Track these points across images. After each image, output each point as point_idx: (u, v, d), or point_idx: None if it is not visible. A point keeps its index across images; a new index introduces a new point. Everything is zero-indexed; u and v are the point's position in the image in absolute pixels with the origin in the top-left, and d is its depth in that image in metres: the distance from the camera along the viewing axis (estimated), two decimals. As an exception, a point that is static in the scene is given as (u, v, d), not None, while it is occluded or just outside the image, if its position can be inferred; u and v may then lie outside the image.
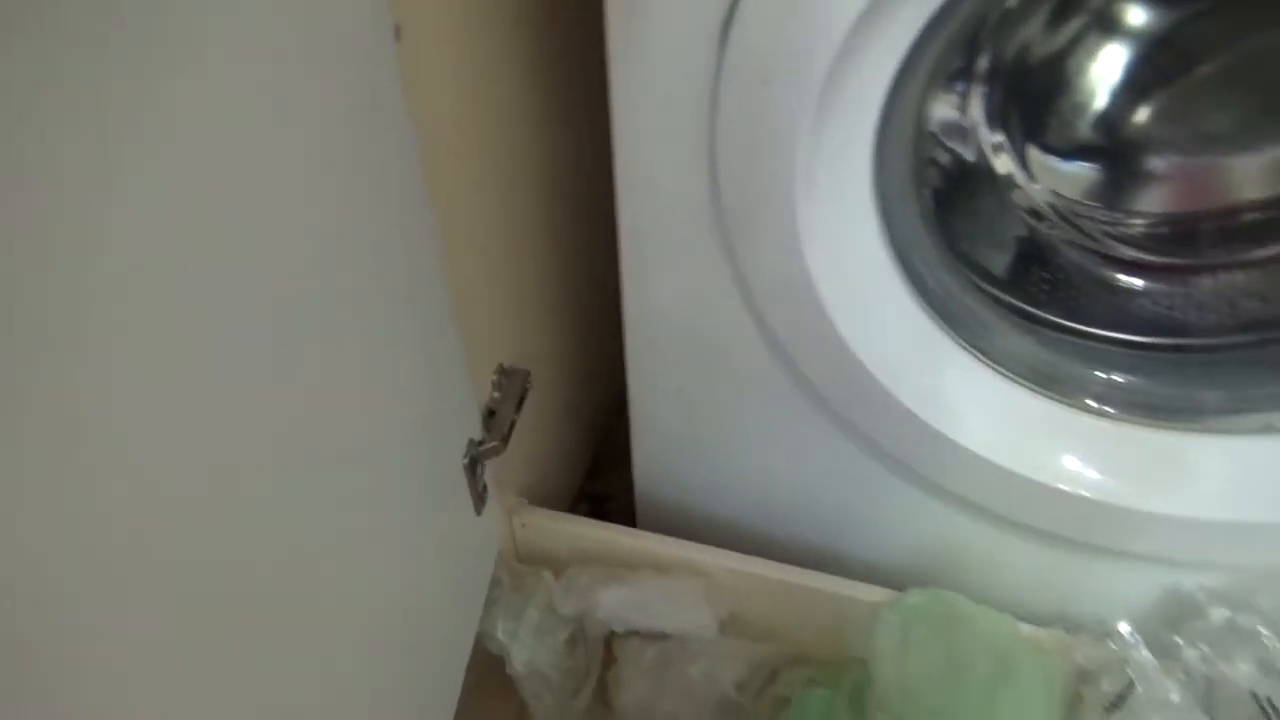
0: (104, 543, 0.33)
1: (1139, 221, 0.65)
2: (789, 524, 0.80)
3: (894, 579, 0.73)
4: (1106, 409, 0.56)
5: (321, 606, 0.53)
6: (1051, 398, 0.56)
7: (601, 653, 0.81)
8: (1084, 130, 0.65)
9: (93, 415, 0.32)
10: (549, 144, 0.70)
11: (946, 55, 0.55)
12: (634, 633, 0.80)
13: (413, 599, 0.64)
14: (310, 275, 0.45)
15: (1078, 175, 0.65)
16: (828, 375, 0.57)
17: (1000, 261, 0.62)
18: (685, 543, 0.78)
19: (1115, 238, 0.64)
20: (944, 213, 0.59)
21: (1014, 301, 0.59)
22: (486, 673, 0.80)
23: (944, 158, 0.62)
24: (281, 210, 0.42)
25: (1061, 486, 0.56)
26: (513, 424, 0.69)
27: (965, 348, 0.55)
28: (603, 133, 0.58)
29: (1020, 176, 0.64)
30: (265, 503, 0.45)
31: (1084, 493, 0.56)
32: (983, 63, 0.59)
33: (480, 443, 0.67)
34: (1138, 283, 0.64)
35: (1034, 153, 0.64)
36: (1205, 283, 0.62)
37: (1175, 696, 0.59)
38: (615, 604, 0.76)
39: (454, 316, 0.62)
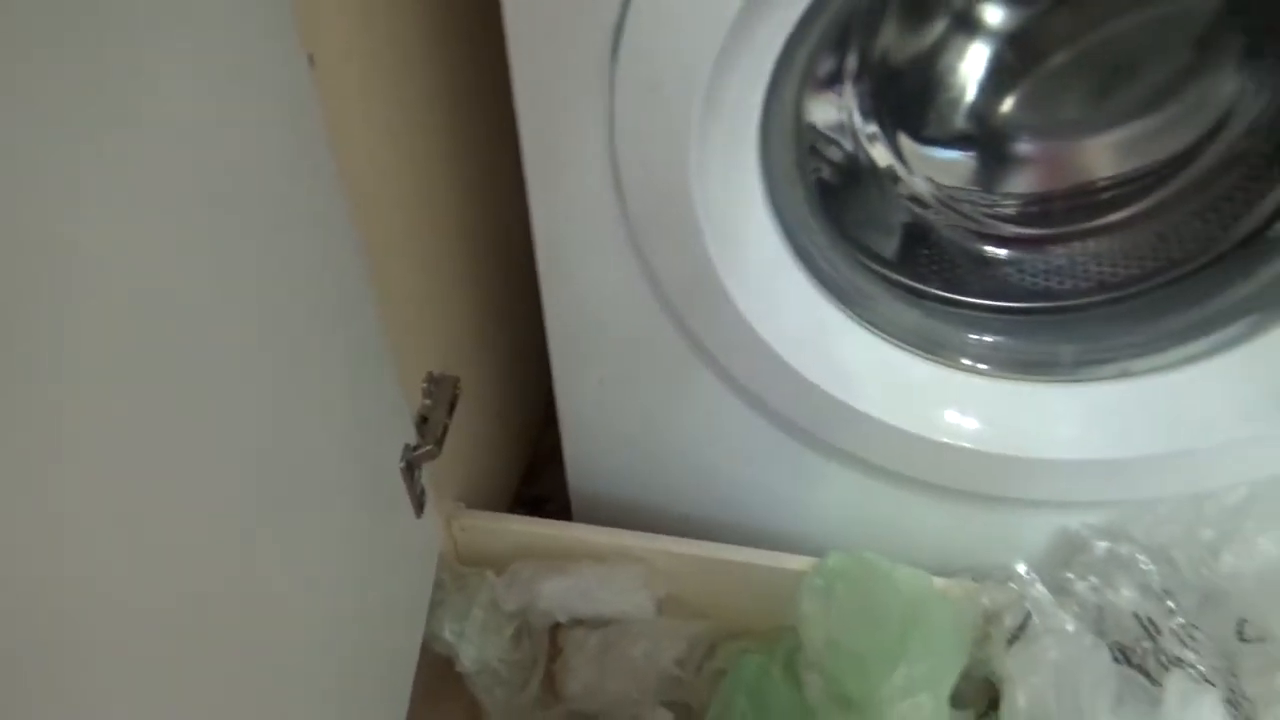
0: (40, 556, 0.35)
1: (1009, 202, 0.72)
2: (717, 504, 0.85)
3: (818, 547, 0.78)
4: (980, 366, 0.62)
5: (268, 614, 0.55)
6: (932, 359, 0.62)
7: (547, 644, 0.84)
8: (951, 121, 0.71)
9: (23, 425, 0.33)
10: (467, 156, 0.74)
11: (818, 56, 0.61)
12: (577, 622, 0.83)
13: (359, 603, 0.67)
14: (236, 293, 0.48)
15: (950, 163, 0.71)
16: (735, 355, 0.62)
17: (886, 243, 0.68)
18: (619, 531, 0.82)
19: (991, 217, 0.70)
20: (831, 200, 0.65)
21: (900, 279, 0.65)
22: (437, 673, 0.83)
23: (826, 150, 0.68)
24: (205, 231, 0.44)
25: (944, 440, 0.62)
26: (445, 428, 0.73)
27: (855, 319, 0.61)
28: (515, 144, 0.62)
29: (898, 166, 0.70)
30: (204, 513, 0.47)
31: (964, 444, 0.62)
32: (852, 62, 0.65)
33: (415, 447, 0.70)
34: (1009, 255, 0.71)
35: (908, 144, 0.70)
36: (1064, 251, 0.69)
37: (1070, 625, 0.65)
38: (557, 594, 0.80)
39: (382, 327, 0.65)
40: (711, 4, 0.48)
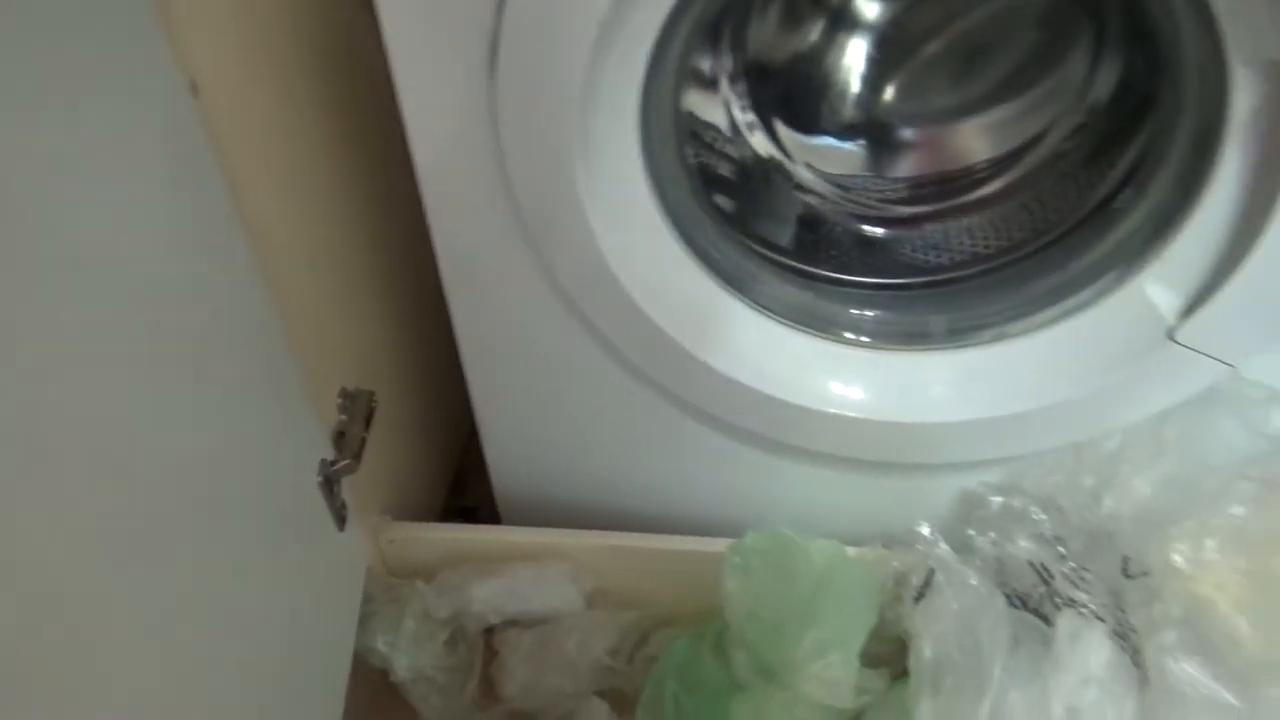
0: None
1: (888, 185, 0.76)
2: (641, 496, 0.87)
3: (741, 529, 0.81)
4: (863, 339, 0.66)
5: (191, 633, 0.56)
6: (818, 335, 0.65)
7: (483, 648, 0.86)
8: (825, 111, 0.75)
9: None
10: (363, 170, 0.75)
11: (693, 51, 0.64)
12: (511, 623, 0.85)
13: (285, 619, 0.67)
14: (132, 321, 0.49)
15: (827, 149, 0.75)
16: (631, 342, 0.64)
17: (772, 227, 0.72)
18: (544, 530, 0.84)
19: (871, 200, 0.75)
20: (717, 188, 0.68)
21: (786, 261, 0.69)
22: (374, 686, 0.83)
23: (708, 140, 0.71)
24: (96, 260, 0.45)
25: (832, 410, 0.65)
26: (363, 442, 0.74)
27: (744, 300, 0.64)
28: (409, 156, 0.64)
29: (778, 155, 0.74)
30: (126, 538, 0.48)
31: (852, 414, 0.66)
32: (727, 56, 0.69)
33: (332, 462, 0.71)
34: (889, 235, 0.75)
35: (786, 133, 0.74)
36: (940, 227, 0.74)
37: (973, 579, 0.69)
38: (487, 596, 0.81)
39: (288, 346, 0.66)
40: (581, 6, 0.51)
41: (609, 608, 0.85)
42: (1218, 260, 0.59)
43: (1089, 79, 0.70)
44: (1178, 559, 0.59)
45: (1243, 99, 0.53)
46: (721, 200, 0.71)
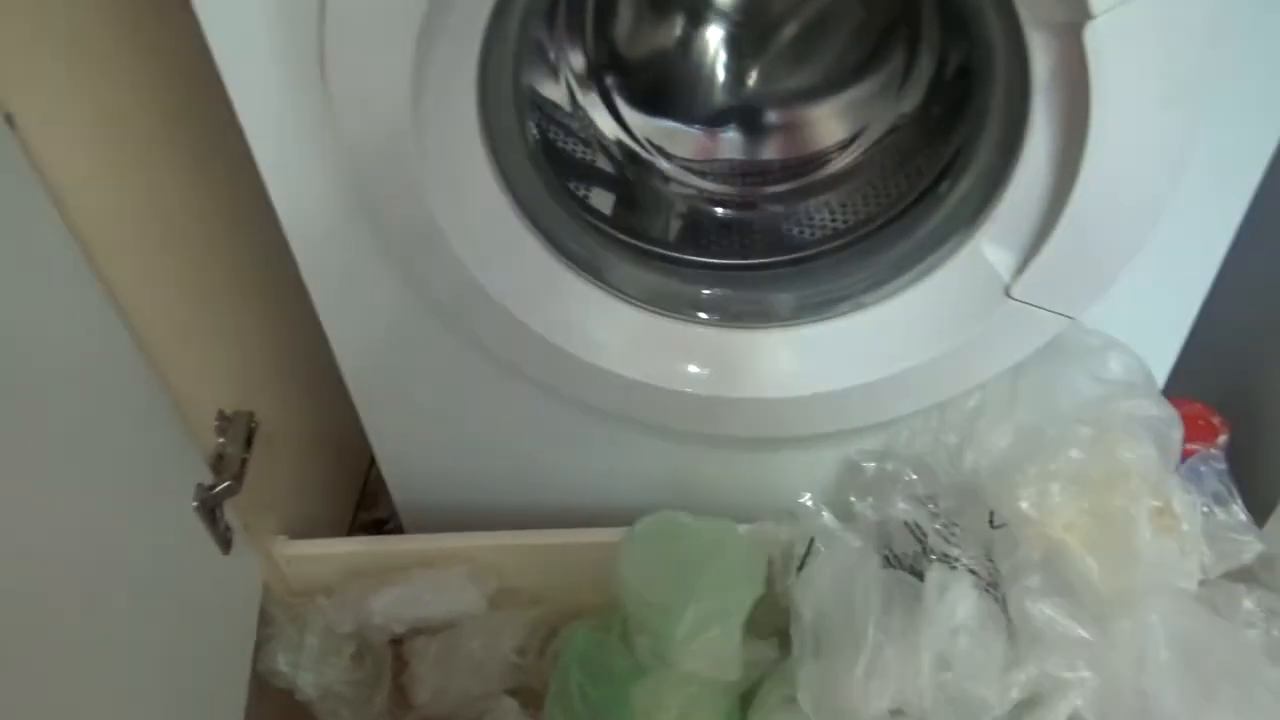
0: None
1: (736, 167, 0.78)
2: (539, 492, 0.88)
3: (636, 516, 0.82)
4: (713, 318, 0.68)
5: (78, 664, 0.56)
6: (670, 315, 0.67)
7: (390, 659, 0.86)
8: (671, 94, 0.77)
9: None
10: (215, 183, 0.74)
11: (533, 28, 0.65)
12: (418, 631, 0.85)
13: (176, 646, 0.67)
14: None
15: (674, 133, 0.77)
16: (483, 327, 0.65)
17: (621, 209, 0.73)
18: (443, 535, 0.85)
19: (721, 182, 0.76)
20: (564, 170, 0.69)
21: (634, 242, 0.70)
22: (282, 709, 0.83)
23: (559, 122, 0.72)
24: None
25: (690, 390, 0.67)
26: (243, 463, 0.74)
27: (596, 283, 0.65)
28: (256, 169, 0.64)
29: (624, 137, 0.75)
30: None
31: (713, 393, 0.67)
32: (570, 34, 0.70)
33: (211, 486, 0.70)
34: (743, 216, 0.77)
35: (633, 116, 0.76)
36: (791, 208, 0.76)
37: (846, 543, 0.71)
38: (388, 606, 0.81)
39: (155, 371, 0.66)
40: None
41: (515, 606, 0.86)
42: (1041, 217, 0.62)
43: (913, 59, 0.73)
44: (1025, 505, 0.62)
45: (1040, 61, 0.56)
46: (574, 185, 0.72)
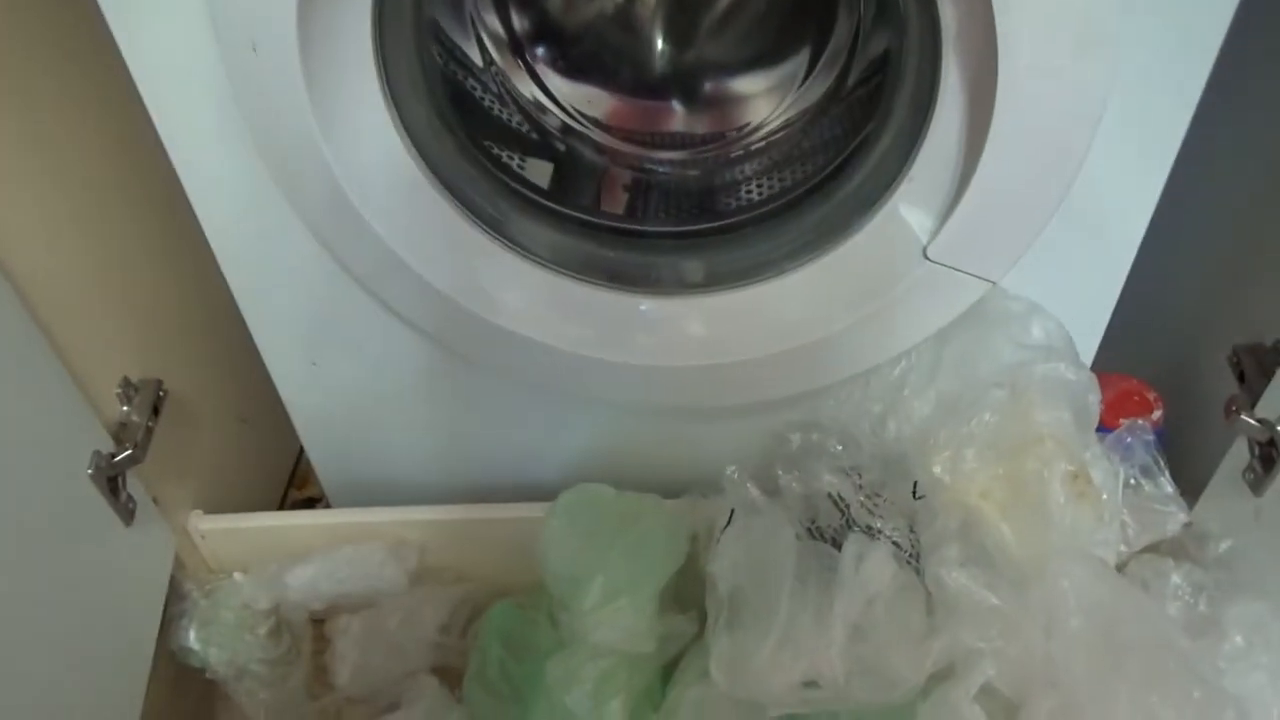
0: None
1: (658, 134, 0.76)
2: (466, 466, 0.86)
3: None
4: (634, 285, 0.66)
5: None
6: (576, 278, 0.65)
7: (309, 635, 0.84)
8: (588, 56, 0.75)
9: None
10: (112, 154, 0.72)
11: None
12: (339, 610, 0.83)
13: (70, 616, 0.65)
14: None
15: (593, 95, 0.75)
16: (400, 294, 0.64)
17: (535, 169, 0.71)
18: (364, 510, 0.83)
19: (642, 146, 0.75)
20: (477, 130, 0.67)
21: (548, 204, 0.68)
22: (200, 689, 0.81)
23: (480, 84, 0.70)
24: None
25: (596, 355, 0.65)
26: (149, 432, 0.71)
27: (505, 244, 0.63)
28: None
29: (541, 97, 0.74)
30: None
31: (628, 360, 0.65)
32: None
33: (111, 455, 0.68)
34: (663, 182, 0.75)
35: (552, 77, 0.74)
36: (718, 176, 0.74)
37: (762, 514, 0.69)
38: (305, 582, 0.80)
39: (49, 336, 0.64)
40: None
41: (440, 584, 0.84)
42: (955, 176, 0.60)
43: (833, 24, 0.72)
44: (938, 469, 0.60)
45: (949, 13, 0.54)
46: (487, 142, 0.70)
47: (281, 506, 1.02)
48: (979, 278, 0.64)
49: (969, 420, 0.61)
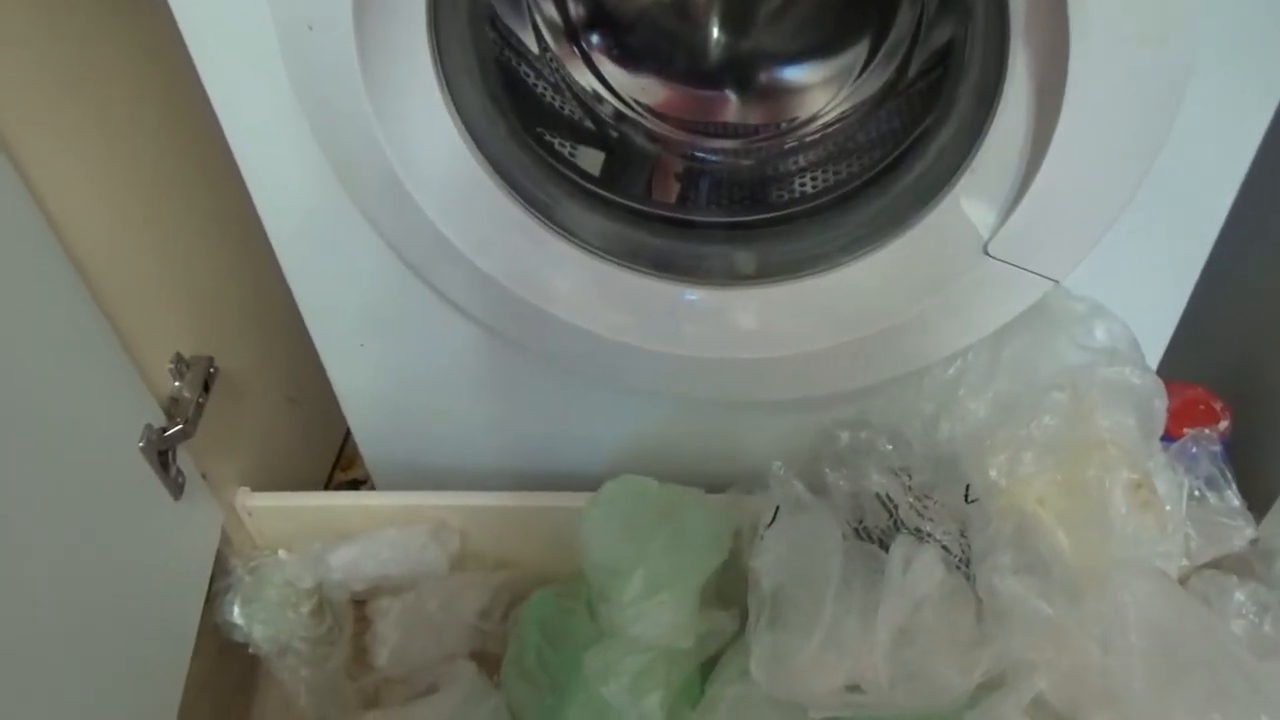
0: None
1: (712, 124, 0.75)
2: (511, 453, 0.86)
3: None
4: (687, 276, 0.64)
5: (19, 606, 0.55)
6: (629, 267, 0.64)
7: (351, 615, 0.84)
8: (651, 48, 0.74)
9: None
10: (180, 133, 0.73)
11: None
12: (381, 591, 0.83)
13: (118, 587, 0.66)
14: None
15: (651, 86, 0.74)
16: (451, 279, 0.63)
17: (589, 157, 0.70)
18: (408, 493, 0.83)
19: (696, 135, 0.74)
20: (530, 116, 0.66)
21: (604, 194, 0.67)
22: (243, 664, 0.82)
23: (534, 71, 0.70)
24: None
25: (647, 347, 0.64)
26: (199, 407, 0.72)
27: (557, 231, 0.62)
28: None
29: (597, 85, 0.73)
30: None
31: (679, 352, 0.64)
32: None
33: (162, 429, 0.69)
34: (717, 171, 0.74)
35: (609, 68, 0.73)
36: (773, 167, 0.73)
37: (809, 513, 0.68)
38: (348, 563, 0.80)
39: (106, 310, 0.65)
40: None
41: (481, 570, 0.84)
42: (1020, 169, 0.58)
43: (896, 15, 0.70)
44: (994, 473, 0.58)
45: (1019, 1, 0.52)
46: (540, 129, 0.70)
47: (327, 488, 1.03)
48: (1041, 276, 0.62)
49: (1028, 423, 0.59)
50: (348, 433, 1.07)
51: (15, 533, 0.56)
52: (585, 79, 0.74)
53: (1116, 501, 0.56)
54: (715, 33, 0.75)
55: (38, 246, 0.58)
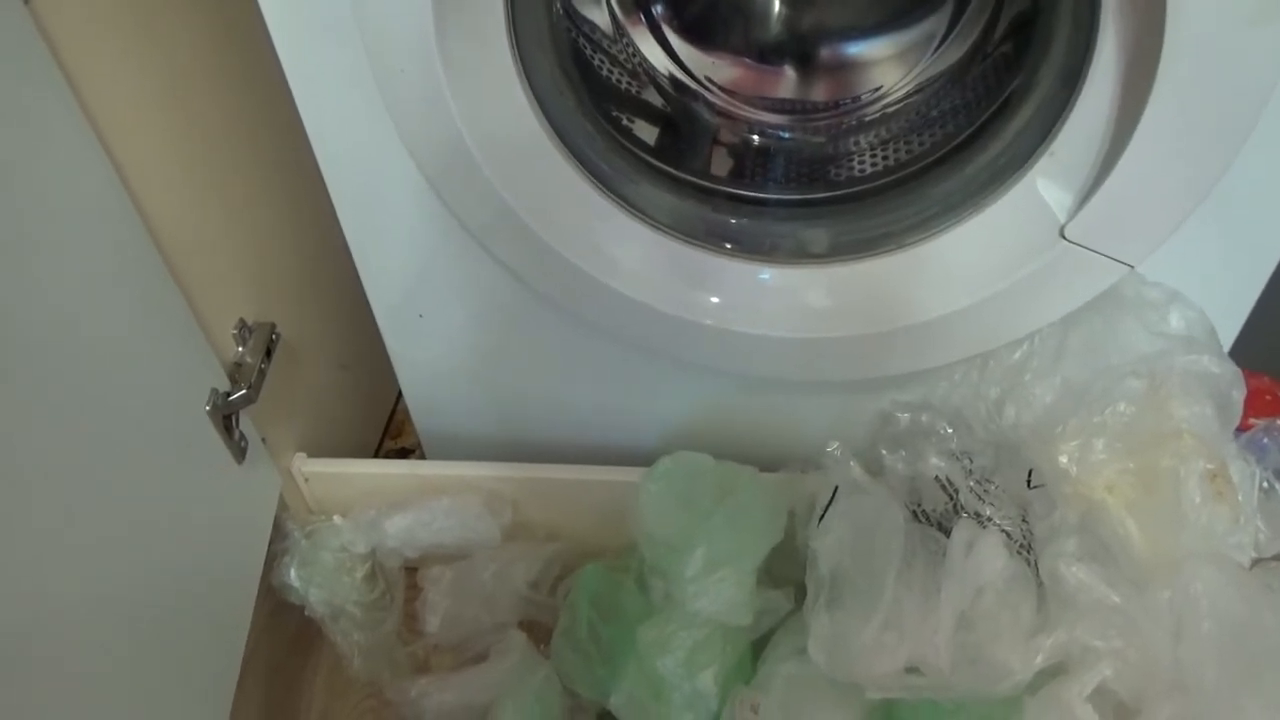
0: None
1: (783, 102, 0.74)
2: (565, 427, 0.86)
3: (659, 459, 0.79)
4: (755, 253, 0.64)
5: (89, 560, 0.56)
6: (694, 243, 0.63)
7: (403, 581, 0.85)
8: (720, 24, 0.73)
9: None
10: (249, 100, 0.73)
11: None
12: (432, 559, 0.84)
13: (184, 547, 0.67)
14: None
15: (721, 64, 0.73)
16: (516, 252, 0.63)
17: (672, 142, 0.70)
18: (461, 463, 0.84)
19: (768, 111, 0.73)
20: (599, 95, 0.66)
21: (671, 170, 0.67)
22: (296, 625, 0.83)
23: (603, 53, 0.69)
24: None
25: (709, 322, 0.64)
26: (262, 373, 0.73)
27: (624, 206, 0.62)
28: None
29: (670, 64, 0.72)
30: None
31: (720, 324, 0.64)
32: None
33: (228, 393, 0.70)
34: (786, 148, 0.73)
35: (680, 45, 0.72)
36: (842, 142, 0.72)
37: (870, 494, 0.68)
38: (402, 530, 0.81)
39: (176, 275, 0.65)
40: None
41: (532, 540, 0.85)
42: (1103, 152, 0.57)
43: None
44: (1064, 459, 0.58)
45: (1113, -27, 0.51)
46: (608, 106, 0.69)
47: (376, 455, 1.04)
48: (1118, 261, 0.61)
49: (1102, 409, 0.58)
50: (397, 401, 1.08)
51: (94, 490, 0.57)
52: (653, 53, 0.73)
53: (1191, 492, 0.55)
54: (785, 5, 0.74)
55: (120, 219, 0.59)
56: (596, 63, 0.72)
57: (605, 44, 0.71)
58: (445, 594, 0.83)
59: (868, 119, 0.73)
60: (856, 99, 0.73)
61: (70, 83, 0.55)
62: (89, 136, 0.56)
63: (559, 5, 0.65)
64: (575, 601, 0.77)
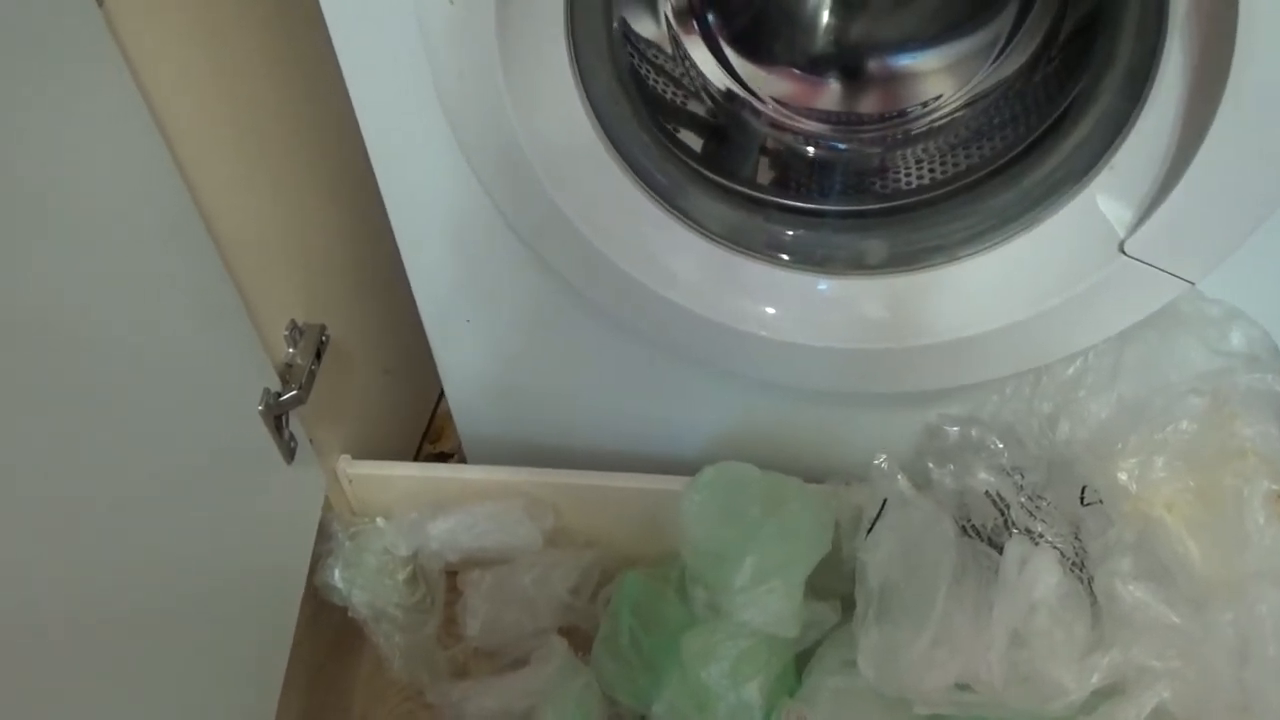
0: None
1: (835, 113, 0.74)
2: (608, 436, 0.86)
3: (702, 469, 0.79)
4: (808, 264, 0.63)
5: (137, 555, 0.57)
6: (747, 253, 0.63)
7: (444, 585, 0.86)
8: (773, 37, 0.73)
9: None
10: (299, 99, 0.74)
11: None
12: (473, 563, 0.85)
13: (234, 545, 0.68)
14: (66, 240, 0.49)
15: (774, 76, 0.73)
16: (569, 260, 0.63)
17: (721, 152, 0.70)
18: (503, 468, 0.84)
19: (819, 123, 0.73)
20: (653, 106, 0.66)
21: (725, 182, 0.67)
22: (336, 626, 0.84)
23: (646, 56, 0.69)
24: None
25: (762, 333, 0.63)
26: (312, 374, 0.73)
27: (677, 216, 0.62)
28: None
29: (724, 76, 0.72)
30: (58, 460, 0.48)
31: (773, 335, 0.64)
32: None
33: (279, 393, 0.71)
34: (838, 159, 0.73)
35: (730, 52, 0.72)
36: (896, 153, 0.71)
37: (920, 508, 0.67)
38: (445, 533, 0.81)
39: (232, 275, 0.66)
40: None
41: (572, 547, 0.85)
42: (1166, 167, 0.56)
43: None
44: (1124, 477, 0.57)
45: (1183, -14, 0.51)
46: (662, 118, 0.69)
47: (415, 459, 1.04)
48: (1178, 277, 0.60)
49: (1163, 426, 0.57)
50: (437, 405, 1.08)
51: (151, 487, 0.57)
52: (708, 65, 0.73)
53: (1255, 511, 0.54)
54: (839, 17, 0.74)
55: (183, 221, 0.60)
56: (643, 72, 0.72)
57: (653, 54, 0.71)
58: (485, 598, 0.83)
59: (923, 130, 0.72)
60: (906, 110, 0.73)
61: (139, 85, 0.56)
62: (155, 138, 0.57)
63: (618, 15, 0.65)
64: (617, 609, 0.77)
